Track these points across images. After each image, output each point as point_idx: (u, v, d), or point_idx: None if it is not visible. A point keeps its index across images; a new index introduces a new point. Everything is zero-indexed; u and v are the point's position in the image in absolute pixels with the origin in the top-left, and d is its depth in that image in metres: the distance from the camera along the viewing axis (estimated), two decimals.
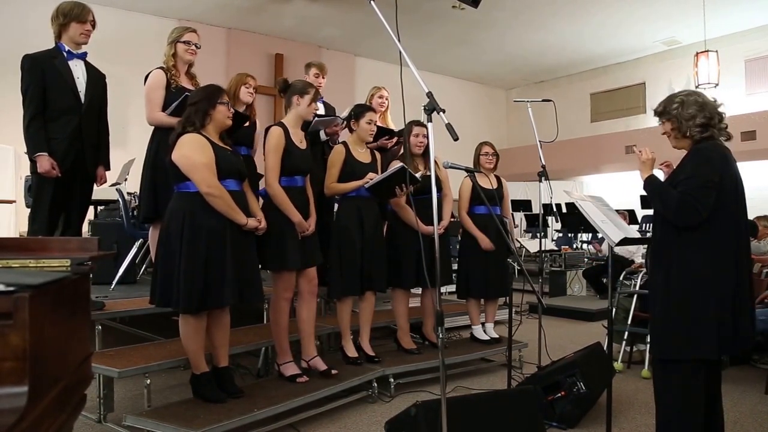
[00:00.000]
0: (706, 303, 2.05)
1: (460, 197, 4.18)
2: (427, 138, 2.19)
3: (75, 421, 1.46)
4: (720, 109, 2.20)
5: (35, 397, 1.08)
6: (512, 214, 5.20)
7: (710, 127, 2.16)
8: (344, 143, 3.57)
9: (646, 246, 4.48)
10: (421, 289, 4.08)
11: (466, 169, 2.95)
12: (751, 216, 5.14)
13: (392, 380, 3.47)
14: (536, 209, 9.35)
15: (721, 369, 2.30)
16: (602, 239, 6.83)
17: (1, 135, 6.65)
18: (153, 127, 3.29)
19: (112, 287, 3.96)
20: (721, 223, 2.08)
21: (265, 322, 3.92)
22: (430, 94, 1.98)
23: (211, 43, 7.75)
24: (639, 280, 4.37)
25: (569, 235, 9.50)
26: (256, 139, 3.68)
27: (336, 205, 3.71)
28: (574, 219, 8.58)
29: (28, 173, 3.11)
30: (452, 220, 4.04)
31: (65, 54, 3.04)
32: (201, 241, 2.63)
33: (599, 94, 11.71)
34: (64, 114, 3.00)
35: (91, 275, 1.62)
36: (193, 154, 2.63)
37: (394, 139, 4.07)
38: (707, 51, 8.38)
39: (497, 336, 4.25)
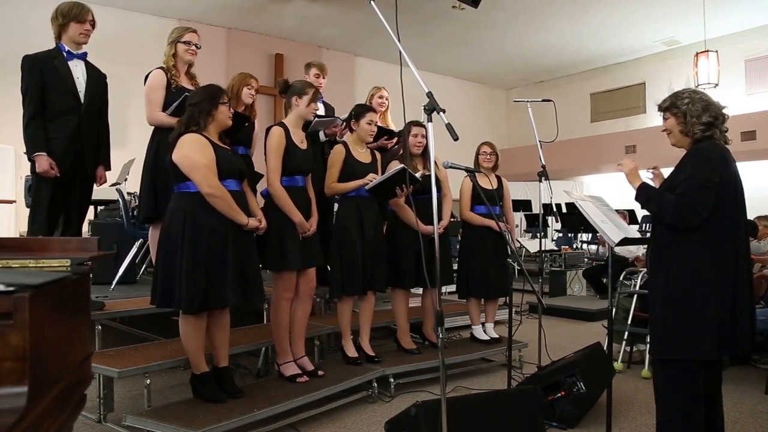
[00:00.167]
0: (706, 303, 2.05)
1: (460, 197, 4.18)
2: (427, 138, 2.19)
3: (75, 421, 1.46)
4: (724, 111, 2.20)
5: (35, 397, 1.08)
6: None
7: (713, 127, 2.16)
8: (344, 143, 3.57)
9: (645, 246, 4.47)
10: (421, 289, 4.09)
11: (466, 169, 2.95)
12: (751, 216, 5.15)
13: (392, 380, 3.47)
14: (536, 209, 9.35)
15: (721, 369, 2.30)
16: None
17: (2, 135, 6.65)
18: (153, 127, 3.29)
19: (112, 287, 3.96)
20: (721, 224, 2.07)
21: (265, 322, 3.92)
22: (430, 94, 1.98)
23: (211, 43, 7.75)
24: (639, 280, 4.37)
25: (569, 235, 9.50)
26: (254, 138, 3.68)
27: (336, 205, 3.71)
28: (574, 219, 8.59)
29: (29, 173, 3.11)
30: (452, 220, 4.04)
31: (65, 54, 3.04)
32: (202, 241, 2.63)
33: (599, 94, 11.71)
34: (64, 114, 3.00)
35: (91, 275, 1.62)
36: (194, 154, 2.63)
37: (394, 140, 4.07)
38: (707, 51, 8.38)
39: (497, 336, 4.25)
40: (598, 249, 8.27)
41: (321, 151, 3.99)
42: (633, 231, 2.58)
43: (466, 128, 7.88)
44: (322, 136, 4.01)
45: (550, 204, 8.42)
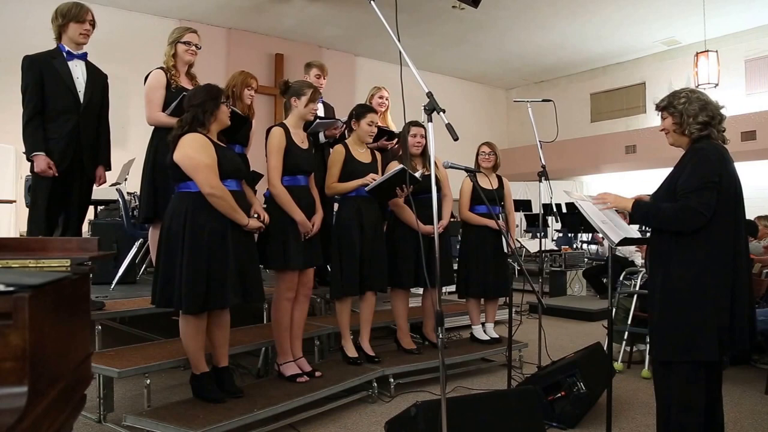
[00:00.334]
0: (706, 304, 2.04)
1: (460, 197, 4.18)
2: (426, 138, 2.19)
3: (75, 421, 1.47)
4: (722, 111, 2.20)
5: (35, 397, 1.08)
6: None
7: (710, 127, 2.16)
8: (344, 143, 3.57)
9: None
10: (421, 289, 4.09)
11: (466, 169, 2.95)
12: (751, 216, 5.16)
13: (392, 380, 3.47)
14: (536, 209, 9.35)
15: (721, 369, 2.29)
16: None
17: (2, 134, 6.65)
18: (153, 128, 3.29)
19: (112, 287, 3.96)
20: (720, 224, 2.07)
21: (265, 322, 3.92)
22: (430, 94, 1.98)
23: (211, 43, 7.75)
24: (639, 280, 4.37)
25: (569, 235, 9.50)
26: (251, 137, 3.69)
27: (336, 205, 3.71)
28: (574, 219, 8.58)
29: (29, 173, 3.11)
30: (452, 220, 4.04)
31: (65, 54, 3.05)
32: (203, 241, 2.63)
33: (599, 94, 11.70)
34: (62, 114, 3.01)
35: (91, 275, 1.61)
36: (196, 154, 2.63)
37: (395, 141, 4.07)
38: (707, 51, 8.38)
39: (497, 336, 4.25)
40: (598, 249, 8.28)
41: (321, 152, 3.99)
42: (633, 231, 2.57)
43: (466, 128, 7.88)
44: (322, 137, 4.01)
45: (550, 204, 8.44)
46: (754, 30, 9.15)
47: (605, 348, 3.25)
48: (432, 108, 1.98)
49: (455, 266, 4.35)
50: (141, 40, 7.63)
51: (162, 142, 3.04)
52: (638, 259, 6.16)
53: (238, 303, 2.77)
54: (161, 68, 3.28)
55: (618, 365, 4.03)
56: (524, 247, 7.80)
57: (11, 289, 1.04)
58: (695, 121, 2.16)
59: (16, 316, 1.04)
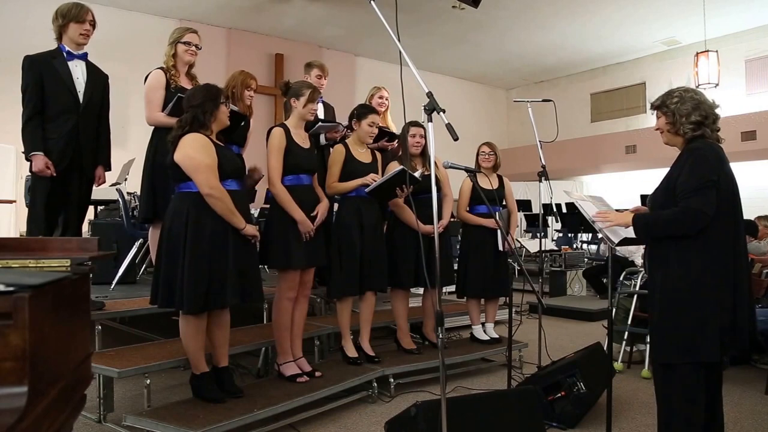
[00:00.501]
0: (706, 304, 2.04)
1: (460, 197, 4.18)
2: (426, 138, 2.19)
3: (75, 421, 1.47)
4: (716, 111, 2.19)
5: (35, 397, 1.08)
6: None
7: (703, 126, 2.15)
8: (344, 143, 3.57)
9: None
10: (421, 289, 4.08)
11: (466, 169, 2.95)
12: (751, 216, 5.16)
13: (392, 380, 3.47)
14: (536, 209, 9.36)
15: (721, 369, 2.29)
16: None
17: (3, 134, 6.65)
18: (153, 128, 3.29)
19: (112, 287, 3.96)
20: (719, 224, 2.06)
21: (264, 322, 3.92)
22: (430, 94, 1.98)
23: (211, 43, 7.75)
24: (639, 280, 4.37)
25: (569, 235, 9.51)
26: (249, 138, 3.69)
27: (336, 205, 3.71)
28: (574, 219, 8.59)
29: (29, 173, 3.11)
30: (452, 220, 4.04)
31: (65, 54, 3.05)
32: (204, 241, 2.63)
33: (599, 94, 11.71)
34: (62, 114, 3.01)
35: (91, 275, 1.61)
36: (197, 154, 2.63)
37: (395, 142, 4.07)
38: (707, 51, 8.37)
39: (497, 336, 4.24)
40: (598, 248, 8.27)
41: (321, 153, 3.99)
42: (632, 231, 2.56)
43: (466, 128, 7.88)
44: (322, 139, 4.01)
45: (550, 204, 8.44)
46: (754, 30, 9.16)
47: (605, 348, 3.25)
48: (432, 108, 1.98)
49: (455, 266, 4.36)
50: (141, 40, 7.63)
51: (162, 143, 3.04)
52: (638, 259, 6.15)
53: (238, 303, 2.77)
54: (161, 68, 3.28)
55: (618, 365, 4.03)
56: (524, 247, 7.80)
57: (11, 289, 1.04)
58: (688, 121, 2.15)
59: (16, 316, 1.04)
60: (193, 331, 2.73)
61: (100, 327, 3.11)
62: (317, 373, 3.24)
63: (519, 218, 9.86)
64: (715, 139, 2.18)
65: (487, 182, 4.10)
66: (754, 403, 3.37)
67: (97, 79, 3.18)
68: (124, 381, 3.15)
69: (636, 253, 6.32)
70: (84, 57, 3.12)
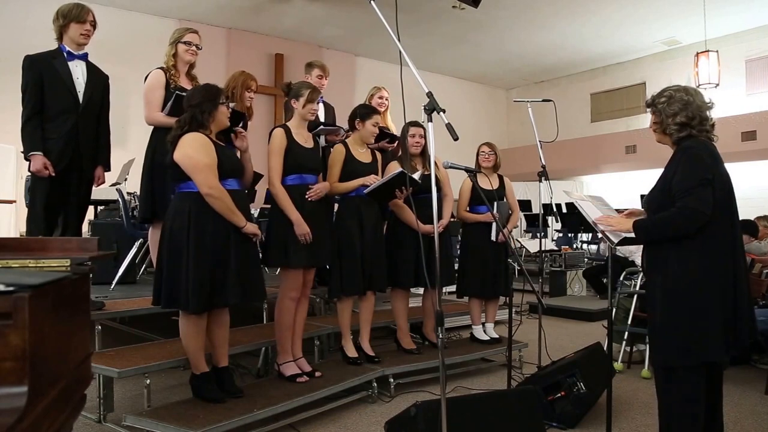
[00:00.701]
0: (707, 305, 2.03)
1: (460, 197, 4.18)
2: (425, 138, 2.19)
3: (75, 421, 1.47)
4: (707, 112, 2.16)
5: (35, 396, 1.08)
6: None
7: (688, 127, 2.14)
8: (344, 143, 3.57)
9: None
10: (421, 289, 4.08)
11: (466, 169, 2.95)
12: (751, 216, 5.16)
13: (392, 380, 3.47)
14: (536, 209, 9.36)
15: (722, 369, 2.28)
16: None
17: (3, 134, 6.65)
18: (152, 128, 3.29)
19: (112, 287, 3.96)
20: (717, 223, 2.05)
21: (264, 322, 3.92)
22: (430, 94, 1.98)
23: (211, 43, 7.75)
24: (639, 280, 4.37)
25: (569, 235, 9.51)
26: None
27: (336, 205, 3.72)
28: (574, 219, 8.59)
29: (29, 173, 3.12)
30: (452, 220, 4.05)
31: (66, 55, 3.05)
32: (206, 241, 2.63)
33: (599, 94, 11.71)
34: (61, 114, 3.01)
35: (91, 275, 1.61)
36: (196, 153, 2.63)
37: (396, 143, 4.07)
38: (707, 51, 8.38)
39: (497, 336, 4.25)
40: (598, 248, 8.27)
41: (321, 155, 3.99)
42: None
43: (466, 128, 7.88)
44: (322, 141, 4.02)
45: (550, 204, 8.44)
46: (754, 30, 9.16)
47: (605, 348, 3.25)
48: (432, 108, 1.98)
49: (455, 266, 4.36)
50: (141, 40, 7.64)
51: (161, 143, 3.04)
52: (638, 258, 6.14)
53: (239, 302, 2.77)
54: (161, 68, 3.28)
55: (618, 365, 4.03)
56: (524, 247, 7.80)
57: (11, 289, 1.04)
58: (673, 122, 2.16)
59: (16, 316, 1.04)
60: (193, 330, 2.73)
61: (100, 327, 3.11)
62: (317, 373, 3.25)
63: (519, 218, 9.88)
64: (707, 138, 2.18)
65: (487, 182, 4.10)
66: (754, 403, 3.37)
67: (97, 80, 3.18)
68: (124, 381, 3.15)
69: (636, 253, 6.32)
70: (84, 57, 3.12)
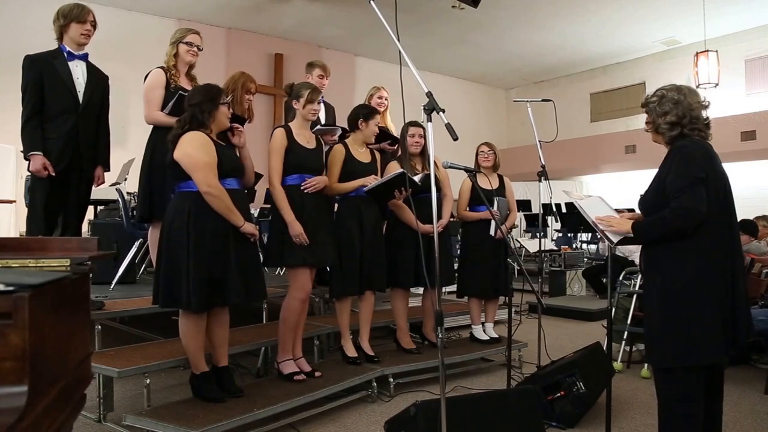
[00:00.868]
0: (702, 305, 2.03)
1: (459, 197, 4.18)
2: (425, 138, 2.19)
3: (75, 421, 1.47)
4: (701, 112, 2.16)
5: (35, 396, 1.08)
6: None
7: (679, 126, 2.14)
8: (344, 143, 3.57)
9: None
10: (421, 288, 4.08)
11: (466, 169, 2.95)
12: (751, 216, 5.15)
13: (392, 380, 3.47)
14: (536, 209, 9.36)
15: (723, 368, 2.27)
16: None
17: (3, 134, 6.66)
18: (152, 127, 3.29)
19: (111, 287, 3.96)
20: (712, 223, 2.05)
21: (264, 322, 3.92)
22: (429, 94, 1.98)
23: (211, 43, 7.74)
24: (639, 280, 4.37)
25: (569, 235, 9.51)
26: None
27: (336, 205, 3.72)
28: (573, 219, 8.59)
29: (29, 172, 3.12)
30: (452, 219, 4.05)
31: (66, 55, 3.05)
32: (206, 240, 2.63)
33: (599, 94, 11.71)
34: (61, 114, 3.01)
35: (90, 275, 1.62)
36: (196, 152, 2.63)
37: (396, 146, 4.07)
38: (707, 51, 8.38)
39: (497, 336, 4.25)
40: (598, 248, 8.27)
41: None
42: None
43: (466, 128, 7.89)
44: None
45: (550, 204, 8.45)
46: (754, 30, 9.16)
47: (605, 348, 3.25)
48: (432, 108, 1.98)
49: (455, 266, 4.36)
50: (141, 40, 7.64)
51: (160, 142, 3.04)
52: (638, 258, 6.13)
53: (240, 301, 2.77)
54: (161, 68, 3.28)
55: (617, 365, 4.03)
56: (524, 247, 7.80)
57: (11, 288, 1.05)
58: (664, 121, 2.16)
59: (16, 316, 1.04)
60: (193, 330, 2.74)
61: (99, 327, 3.11)
62: (317, 373, 3.25)
63: (519, 218, 9.89)
64: (701, 137, 2.17)
65: (487, 182, 4.10)
66: (753, 403, 3.37)
67: (98, 80, 3.18)
68: (124, 381, 3.15)
69: (635, 253, 6.32)
70: (84, 57, 3.12)
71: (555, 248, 8.35)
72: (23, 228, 3.87)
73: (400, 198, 3.50)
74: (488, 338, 4.22)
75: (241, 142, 2.98)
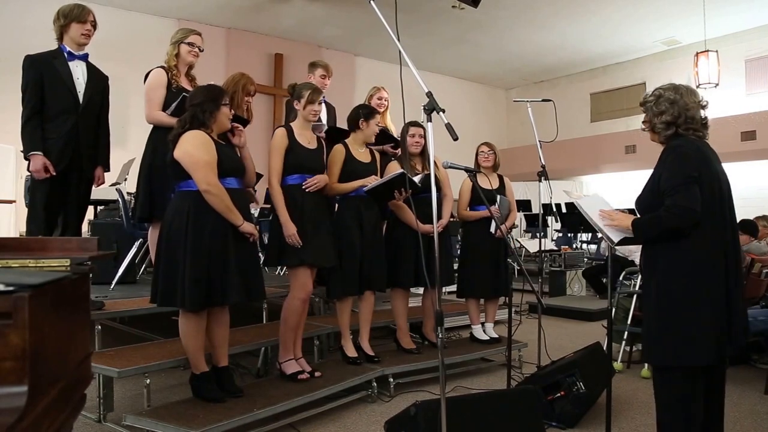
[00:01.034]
0: (701, 306, 2.02)
1: (460, 197, 4.18)
2: (425, 138, 2.19)
3: (75, 421, 1.47)
4: (699, 111, 2.16)
5: (35, 396, 1.08)
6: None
7: (674, 126, 2.15)
8: (344, 143, 3.57)
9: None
10: (421, 288, 4.08)
11: (466, 169, 2.95)
12: (751, 216, 5.15)
13: (392, 380, 3.47)
14: (536, 209, 9.36)
15: (724, 368, 2.27)
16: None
17: (2, 134, 6.66)
18: (152, 127, 3.29)
19: (111, 287, 3.96)
20: (709, 223, 2.05)
21: (264, 321, 3.92)
22: (429, 94, 1.98)
23: (211, 43, 7.70)
24: (639, 280, 4.37)
25: (569, 235, 9.51)
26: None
27: (336, 205, 3.72)
28: (573, 219, 8.59)
29: (28, 172, 3.12)
30: (452, 219, 4.04)
31: (66, 55, 3.05)
32: (204, 239, 2.63)
33: (599, 94, 11.72)
34: (61, 114, 3.01)
35: (90, 275, 1.62)
36: (196, 151, 2.64)
37: (398, 149, 4.07)
38: (707, 51, 8.38)
39: (497, 336, 4.25)
40: (598, 248, 8.27)
41: None
42: None
43: (466, 128, 7.89)
44: None
45: (550, 204, 8.44)
46: (754, 30, 9.16)
47: (605, 348, 3.25)
48: (432, 108, 1.98)
49: (455, 266, 4.36)
50: (141, 40, 7.64)
51: (160, 143, 3.04)
52: (638, 258, 6.14)
53: (239, 301, 2.77)
54: (162, 67, 3.28)
55: (617, 365, 4.03)
56: (524, 247, 7.80)
57: (11, 288, 1.05)
58: (659, 120, 2.17)
59: (16, 316, 1.04)
60: (193, 330, 2.74)
61: (99, 327, 3.11)
62: (317, 373, 3.25)
63: (519, 218, 9.89)
64: (699, 137, 2.17)
65: (487, 182, 4.10)
66: (753, 403, 3.37)
67: (98, 80, 3.18)
68: (124, 381, 3.15)
69: (635, 253, 6.31)
70: (85, 58, 3.13)
71: (555, 248, 8.35)
72: (23, 228, 3.87)
73: (399, 199, 3.50)
74: (488, 338, 4.22)
75: (242, 142, 2.98)
